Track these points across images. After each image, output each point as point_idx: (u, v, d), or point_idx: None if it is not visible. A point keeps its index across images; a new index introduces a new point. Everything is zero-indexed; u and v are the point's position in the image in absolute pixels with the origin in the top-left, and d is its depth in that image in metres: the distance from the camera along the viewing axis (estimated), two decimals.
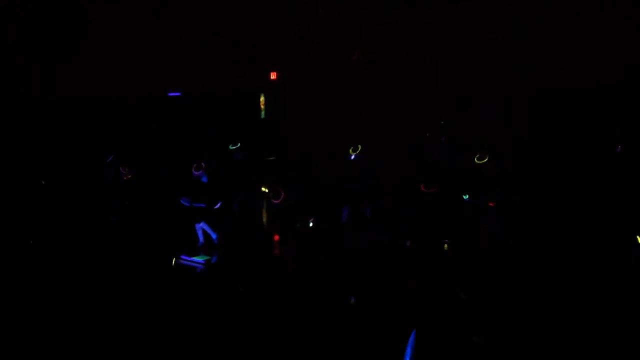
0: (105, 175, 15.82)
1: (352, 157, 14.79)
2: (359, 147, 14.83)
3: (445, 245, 12.79)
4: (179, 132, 19.45)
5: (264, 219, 15.37)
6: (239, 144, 15.70)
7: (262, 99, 20.54)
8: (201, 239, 13.56)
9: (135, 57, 19.84)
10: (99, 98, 19.63)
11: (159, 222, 14.66)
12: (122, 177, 15.29)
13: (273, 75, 20.32)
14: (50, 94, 19.52)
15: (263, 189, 15.45)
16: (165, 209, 15.30)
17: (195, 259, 12.64)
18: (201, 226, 13.47)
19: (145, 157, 17.81)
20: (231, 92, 19.93)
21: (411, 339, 7.60)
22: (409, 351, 7.54)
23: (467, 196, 13.49)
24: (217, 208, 13.31)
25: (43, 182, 15.60)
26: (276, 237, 14.37)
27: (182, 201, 13.30)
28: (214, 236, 13.50)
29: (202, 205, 13.25)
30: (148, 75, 19.82)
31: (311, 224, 12.79)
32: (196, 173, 13.37)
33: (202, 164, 13.44)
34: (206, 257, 12.74)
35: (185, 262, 12.61)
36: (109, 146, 17.16)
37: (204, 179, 13.36)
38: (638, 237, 12.08)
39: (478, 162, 14.27)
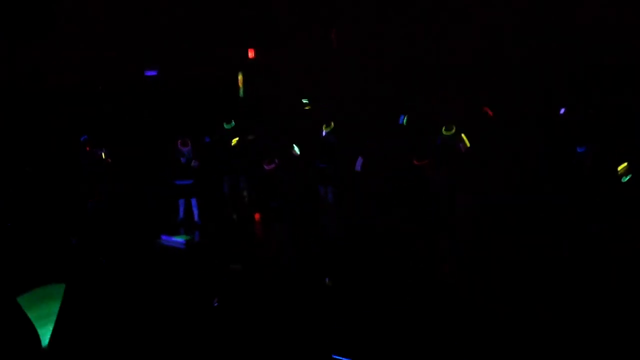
0: (80, 158, 15.34)
1: (324, 134, 14.40)
2: (332, 124, 14.38)
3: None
4: (156, 112, 19.09)
5: (244, 200, 15.08)
6: (233, 123, 15.27)
7: (240, 77, 20.26)
8: (181, 214, 13.30)
9: (109, 39, 19.47)
10: (69, 82, 19.20)
11: (141, 205, 14.35)
12: (99, 159, 14.78)
13: (251, 53, 20.05)
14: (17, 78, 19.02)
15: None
16: (146, 191, 15.00)
17: (175, 238, 12.35)
18: (183, 202, 13.25)
19: (124, 138, 17.47)
20: (209, 71, 19.62)
21: None
22: None
23: None
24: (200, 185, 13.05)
25: None
26: (257, 216, 14.13)
27: (177, 182, 13.09)
28: (196, 215, 13.25)
29: (189, 181, 13.05)
30: (123, 57, 19.46)
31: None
32: (184, 149, 13.07)
33: (188, 140, 13.15)
34: (187, 237, 12.45)
35: (166, 242, 12.32)
36: (83, 128, 16.71)
37: (190, 155, 13.11)
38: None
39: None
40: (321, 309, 9.40)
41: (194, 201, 13.26)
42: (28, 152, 16.46)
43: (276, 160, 11.77)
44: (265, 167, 11.68)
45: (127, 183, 15.00)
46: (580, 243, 11.44)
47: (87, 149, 14.45)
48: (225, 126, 15.08)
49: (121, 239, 12.46)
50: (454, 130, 13.56)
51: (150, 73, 19.71)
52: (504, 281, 10.11)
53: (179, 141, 13.09)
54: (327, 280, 10.74)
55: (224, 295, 10.06)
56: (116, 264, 11.30)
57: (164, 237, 12.41)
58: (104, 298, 9.85)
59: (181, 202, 13.31)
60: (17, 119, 18.22)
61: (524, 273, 10.32)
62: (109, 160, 14.47)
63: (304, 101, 16.21)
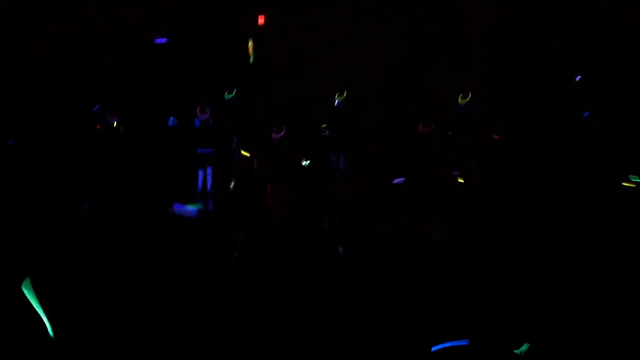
0: (90, 127, 15.24)
1: (336, 102, 14.33)
2: (345, 93, 14.33)
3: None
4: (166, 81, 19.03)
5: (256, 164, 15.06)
6: (234, 91, 15.09)
7: (250, 43, 20.12)
8: (200, 185, 13.36)
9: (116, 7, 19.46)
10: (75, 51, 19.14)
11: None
12: (112, 127, 14.68)
13: (261, 19, 19.90)
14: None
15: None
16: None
17: (188, 207, 12.42)
18: (203, 173, 13.30)
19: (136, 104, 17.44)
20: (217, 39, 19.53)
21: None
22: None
23: None
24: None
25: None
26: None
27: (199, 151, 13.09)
28: (209, 184, 13.31)
29: (209, 150, 13.08)
30: (131, 25, 19.42)
31: (306, 163, 12.30)
32: (202, 117, 13.06)
33: (206, 107, 13.13)
34: (199, 206, 12.53)
35: (178, 211, 12.39)
36: (94, 97, 16.61)
37: (210, 123, 13.14)
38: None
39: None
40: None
41: (209, 170, 13.31)
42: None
43: (284, 129, 11.75)
44: (274, 135, 11.70)
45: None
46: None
47: (98, 127, 14.36)
48: (226, 96, 14.89)
49: (132, 209, 12.52)
50: (470, 96, 13.62)
51: (161, 40, 19.64)
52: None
53: (198, 107, 13.11)
54: (340, 249, 10.79)
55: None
56: (127, 231, 11.36)
57: (176, 206, 12.49)
58: (113, 271, 9.90)
59: (200, 172, 13.36)
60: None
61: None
62: (122, 129, 14.43)
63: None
